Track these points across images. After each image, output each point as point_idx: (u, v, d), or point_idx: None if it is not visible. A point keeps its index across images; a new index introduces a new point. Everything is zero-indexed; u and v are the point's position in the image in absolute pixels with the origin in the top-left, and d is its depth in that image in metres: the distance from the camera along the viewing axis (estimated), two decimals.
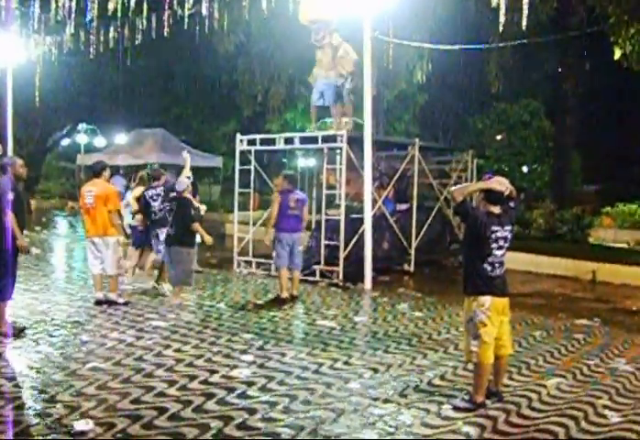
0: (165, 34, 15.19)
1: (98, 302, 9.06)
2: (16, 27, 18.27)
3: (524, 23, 9.95)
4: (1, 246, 7.22)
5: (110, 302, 9.06)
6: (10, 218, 7.19)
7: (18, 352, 6.78)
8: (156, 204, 10.41)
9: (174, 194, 9.37)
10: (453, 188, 5.66)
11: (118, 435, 4.68)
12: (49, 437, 4.62)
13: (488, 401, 5.54)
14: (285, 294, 10.01)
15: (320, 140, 12.02)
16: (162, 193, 10.32)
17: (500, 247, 5.48)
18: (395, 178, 13.15)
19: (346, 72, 12.12)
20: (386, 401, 5.60)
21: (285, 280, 10.05)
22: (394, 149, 14.88)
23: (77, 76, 28.09)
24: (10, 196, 7.19)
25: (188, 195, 9.35)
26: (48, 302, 9.20)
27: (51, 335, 7.41)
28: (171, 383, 5.83)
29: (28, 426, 4.80)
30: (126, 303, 9.11)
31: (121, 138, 31.08)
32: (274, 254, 10.41)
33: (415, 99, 24.17)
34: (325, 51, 12.26)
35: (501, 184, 5.51)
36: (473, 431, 5.02)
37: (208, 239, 9.28)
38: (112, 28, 17.08)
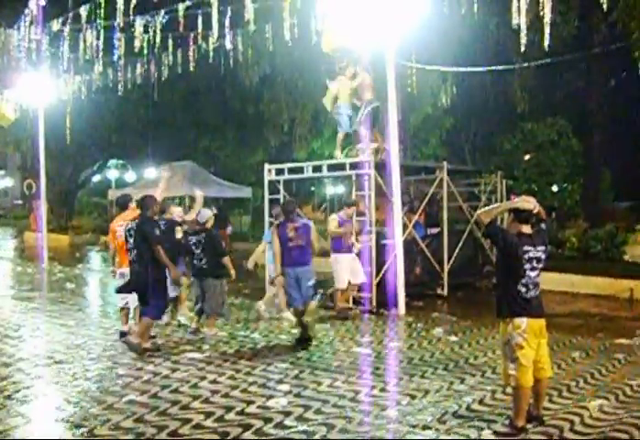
0: (191, 68, 15.42)
1: (122, 335, 9.09)
2: (46, 68, 18.69)
3: (547, 43, 9.94)
4: (159, 275, 8.27)
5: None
6: (161, 252, 8.12)
7: (56, 387, 6.82)
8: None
9: (199, 227, 9.39)
10: (480, 211, 5.63)
11: None
12: None
13: (529, 426, 5.44)
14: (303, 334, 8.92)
15: (348, 167, 12.06)
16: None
17: (533, 268, 5.42)
18: (425, 202, 13.11)
19: (366, 99, 12.22)
20: (425, 427, 5.53)
21: (296, 321, 9.12)
22: (422, 173, 14.85)
23: (106, 113, 28.56)
24: (157, 232, 8.25)
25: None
26: (83, 337, 9.26)
27: (88, 369, 7.45)
28: (208, 415, 5.82)
29: None
30: (151, 337, 8.95)
31: (150, 173, 31.48)
32: (285, 297, 9.50)
33: (441, 122, 24.18)
34: (344, 80, 12.42)
35: (528, 203, 5.47)
36: None
37: (232, 273, 9.42)
38: (139, 65, 17.40)
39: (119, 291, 8.93)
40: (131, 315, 9.24)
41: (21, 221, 36.70)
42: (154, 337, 9.00)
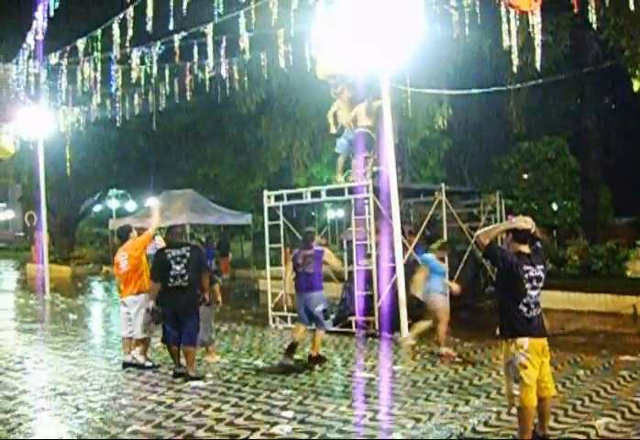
0: (188, 98, 15.54)
1: (125, 365, 9.06)
2: (45, 100, 18.85)
3: (539, 63, 10.03)
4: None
5: (138, 366, 9.02)
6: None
7: (60, 419, 6.80)
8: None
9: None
10: (478, 232, 5.66)
11: None
12: None
13: None
14: (296, 339, 9.30)
15: (346, 192, 12.12)
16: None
17: (534, 288, 5.43)
18: (425, 224, 13.15)
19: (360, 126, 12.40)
20: None
21: (301, 329, 9.35)
22: (422, 196, 14.90)
23: (106, 143, 28.76)
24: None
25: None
26: (87, 368, 9.23)
27: (91, 401, 7.42)
28: None
29: None
30: (153, 367, 9.01)
31: (151, 202, 31.59)
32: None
33: (439, 144, 24.31)
34: (341, 104, 12.59)
35: (525, 222, 5.51)
36: None
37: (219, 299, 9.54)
38: (137, 96, 17.54)
39: (158, 321, 8.76)
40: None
41: (23, 253, 36.75)
42: (158, 366, 9.00)
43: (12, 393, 7.84)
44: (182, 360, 8.51)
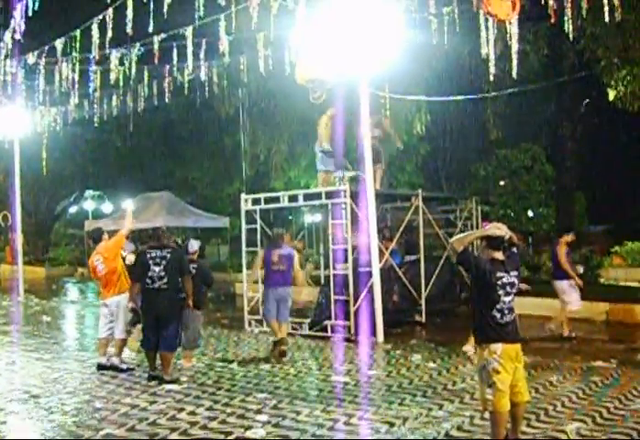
0: (166, 99, 15.50)
1: (100, 367, 9.02)
2: (22, 100, 18.69)
3: (515, 72, 10.15)
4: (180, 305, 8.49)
5: (113, 368, 8.98)
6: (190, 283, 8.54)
7: (32, 422, 6.75)
8: None
9: (189, 258, 9.34)
10: (452, 239, 5.71)
11: None
12: None
13: None
14: (278, 336, 9.98)
15: (324, 196, 12.15)
16: None
17: (507, 293, 5.48)
18: (401, 229, 13.21)
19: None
20: None
21: (276, 326, 10.04)
22: (399, 201, 14.98)
23: (82, 144, 28.56)
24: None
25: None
26: (60, 370, 9.16)
27: (64, 403, 7.37)
28: None
29: None
30: (128, 369, 8.96)
31: (127, 203, 31.38)
32: (262, 308, 10.71)
33: (417, 150, 24.40)
34: (325, 119, 12.84)
35: (499, 229, 5.56)
36: None
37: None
38: (115, 97, 17.45)
39: (135, 323, 8.89)
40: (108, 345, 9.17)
41: None
42: (132, 369, 8.96)
43: None
44: (158, 362, 8.47)
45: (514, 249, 5.73)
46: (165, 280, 8.30)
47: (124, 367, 9.02)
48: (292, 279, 10.20)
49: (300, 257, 10.29)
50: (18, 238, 20.97)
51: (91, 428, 6.42)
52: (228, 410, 7.01)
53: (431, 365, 9.25)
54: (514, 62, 9.92)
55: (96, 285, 9.50)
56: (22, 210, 20.88)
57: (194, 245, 9.42)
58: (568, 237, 11.60)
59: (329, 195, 12.06)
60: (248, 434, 6.16)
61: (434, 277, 13.72)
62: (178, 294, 8.44)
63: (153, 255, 8.38)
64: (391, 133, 14.31)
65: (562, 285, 11.43)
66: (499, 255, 5.56)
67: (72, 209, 40.52)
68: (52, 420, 6.74)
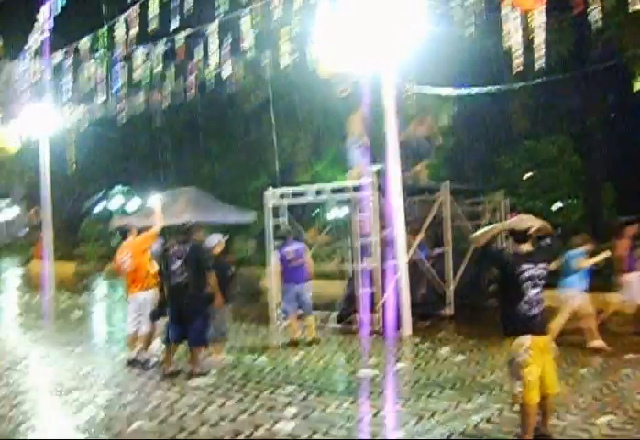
0: (191, 96, 15.56)
1: (130, 362, 9.12)
2: (49, 98, 18.88)
3: (543, 61, 10.05)
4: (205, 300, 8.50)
5: (142, 362, 9.07)
6: (214, 278, 8.55)
7: (65, 415, 6.85)
8: None
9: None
10: (474, 234, 5.67)
11: None
12: None
13: None
14: (296, 336, 10.59)
15: (350, 190, 12.15)
16: None
17: (535, 286, 5.43)
18: (428, 222, 13.16)
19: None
20: None
21: (295, 324, 10.67)
22: (425, 194, 14.91)
23: (110, 141, 28.78)
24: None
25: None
26: (91, 364, 9.28)
27: (96, 397, 7.46)
28: None
29: None
30: (158, 364, 8.98)
31: (155, 200, 31.51)
32: (282, 305, 11.21)
33: (442, 143, 24.24)
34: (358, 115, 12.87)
35: (522, 222, 5.50)
36: None
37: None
38: (141, 94, 17.56)
39: (156, 317, 8.89)
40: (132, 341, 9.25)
41: (27, 250, 36.67)
42: (162, 363, 9.02)
43: (17, 389, 7.90)
44: (173, 357, 8.58)
45: (548, 241, 5.65)
46: (185, 275, 8.32)
47: (152, 362, 9.10)
48: (307, 273, 10.61)
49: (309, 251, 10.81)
50: (48, 235, 21.18)
51: (122, 421, 6.50)
52: (257, 403, 7.06)
53: (459, 358, 9.23)
54: (540, 53, 9.82)
55: (123, 281, 9.50)
56: (51, 207, 21.06)
57: (213, 240, 9.39)
58: (633, 230, 11.16)
59: (356, 189, 12.05)
60: (278, 426, 6.20)
61: (461, 270, 13.67)
62: (200, 289, 8.41)
63: (174, 250, 8.42)
64: (434, 131, 14.41)
65: (631, 278, 10.93)
66: (525, 247, 5.51)
67: (100, 206, 40.83)
68: (85, 413, 6.82)
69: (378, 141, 13.08)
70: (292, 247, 10.69)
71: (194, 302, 8.36)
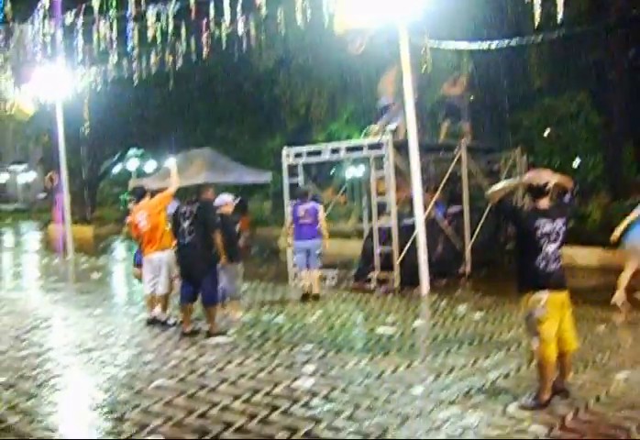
0: (204, 55, 15.39)
1: (149, 322, 9.21)
2: (62, 61, 18.77)
3: (561, 14, 9.80)
4: (215, 259, 8.50)
5: (161, 323, 9.15)
6: (220, 237, 8.50)
7: (86, 374, 6.94)
8: None
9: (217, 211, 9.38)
10: (490, 190, 5.59)
11: None
12: None
13: (554, 399, 5.45)
14: (306, 290, 11.03)
15: (366, 148, 12.06)
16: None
17: (552, 242, 5.36)
18: (444, 180, 13.07)
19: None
20: (451, 403, 5.56)
21: (306, 278, 11.09)
22: (442, 152, 14.78)
23: (123, 103, 28.63)
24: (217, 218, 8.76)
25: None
26: (111, 325, 9.38)
27: (116, 357, 7.56)
28: (236, 397, 5.89)
29: None
30: (176, 324, 9.05)
31: (170, 161, 31.54)
32: (293, 260, 11.73)
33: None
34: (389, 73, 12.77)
35: (540, 176, 5.41)
36: (541, 429, 4.93)
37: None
38: (153, 54, 17.40)
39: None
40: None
41: (45, 214, 37.00)
42: (181, 323, 9.08)
43: (39, 350, 8.00)
44: (190, 316, 8.66)
45: (567, 197, 5.56)
46: (193, 235, 8.37)
47: (171, 321, 9.18)
48: (318, 231, 10.82)
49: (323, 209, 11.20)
50: (65, 198, 21.30)
51: (143, 380, 6.57)
52: (276, 361, 7.11)
53: (477, 315, 9.24)
54: (560, 5, 9.59)
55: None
56: (67, 171, 21.13)
57: (221, 200, 9.42)
58: None
59: (371, 147, 11.96)
60: (297, 383, 6.25)
61: (478, 228, 13.61)
62: (208, 249, 8.43)
63: (183, 210, 8.47)
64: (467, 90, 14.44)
65: None
66: (542, 203, 5.42)
67: (116, 168, 40.93)
68: (106, 372, 6.91)
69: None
70: (307, 206, 10.93)
71: (203, 261, 8.41)
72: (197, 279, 8.43)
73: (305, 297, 10.91)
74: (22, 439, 5.10)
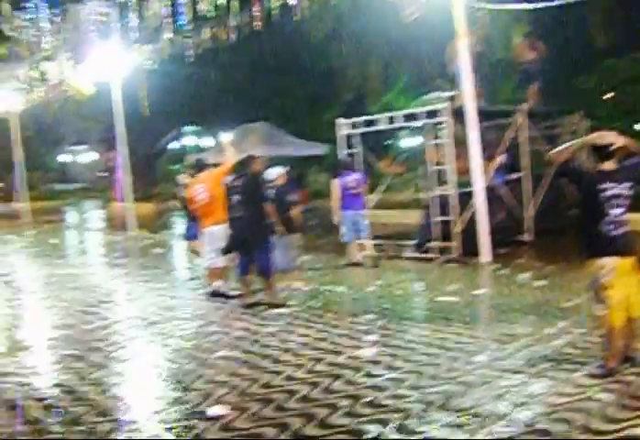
0: (256, 28, 15.35)
1: (210, 295, 9.33)
2: (117, 39, 18.96)
3: None
4: (267, 230, 8.60)
5: (222, 295, 9.26)
6: (270, 208, 8.64)
7: (152, 346, 7.09)
8: None
9: (270, 184, 9.44)
10: (552, 151, 5.44)
11: (252, 418, 4.80)
12: (187, 423, 4.79)
13: (622, 367, 5.33)
14: (355, 259, 11.46)
15: (423, 116, 11.89)
16: None
17: (617, 206, 5.19)
18: (504, 147, 12.82)
19: None
20: (515, 372, 5.48)
21: (354, 249, 11.51)
22: (500, 118, 14.47)
23: (178, 80, 28.83)
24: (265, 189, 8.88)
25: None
26: (174, 298, 9.55)
27: (180, 328, 7.69)
28: (298, 367, 5.93)
29: (167, 414, 5.01)
30: (237, 296, 9.11)
31: (226, 136, 31.73)
32: (341, 231, 11.59)
33: (516, 65, 23.40)
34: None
35: (604, 137, 5.23)
36: (608, 397, 4.82)
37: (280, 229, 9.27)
38: (207, 30, 17.43)
39: (228, 251, 8.94)
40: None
41: (106, 192, 37.73)
42: (242, 295, 9.15)
43: (105, 323, 8.20)
44: (250, 288, 8.76)
45: (635, 159, 5.36)
46: (243, 208, 8.40)
47: (233, 293, 9.27)
48: (365, 201, 11.31)
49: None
50: (126, 176, 21.66)
51: (207, 351, 6.68)
52: (338, 331, 7.13)
53: (540, 283, 9.08)
54: None
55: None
56: (127, 149, 21.45)
57: (272, 173, 9.52)
58: None
59: (429, 115, 11.79)
60: (359, 353, 6.26)
61: (539, 195, 13.34)
62: (259, 221, 8.45)
63: (233, 184, 8.51)
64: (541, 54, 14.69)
65: None
66: (607, 165, 5.25)
67: (173, 145, 41.38)
68: (170, 344, 7.04)
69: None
70: (354, 176, 11.34)
71: (255, 233, 8.43)
72: (251, 251, 8.48)
73: (357, 265, 11.29)
74: (95, 409, 5.24)
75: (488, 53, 17.75)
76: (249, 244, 8.48)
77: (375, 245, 12.79)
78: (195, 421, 4.82)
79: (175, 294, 9.92)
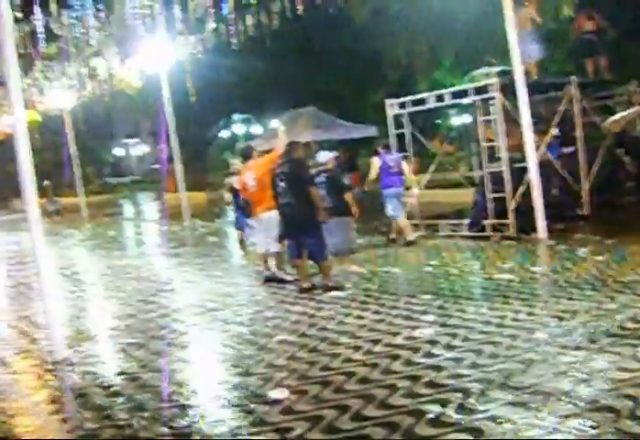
0: (300, 12, 15.27)
1: (266, 280, 9.39)
2: (162, 32, 19.09)
3: None
4: (316, 216, 8.46)
5: (278, 280, 9.32)
6: (316, 193, 8.51)
7: (211, 332, 7.19)
8: None
9: (322, 168, 9.46)
10: (608, 120, 5.29)
11: (312, 401, 4.84)
12: (248, 407, 4.86)
13: None
14: (412, 237, 11.75)
15: (472, 93, 11.72)
16: None
17: None
18: (556, 120, 12.55)
19: None
20: (576, 348, 5.39)
21: (408, 225, 11.84)
22: (551, 91, 14.16)
23: (224, 69, 28.99)
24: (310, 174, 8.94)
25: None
26: (230, 285, 9.66)
27: (238, 315, 7.78)
28: (356, 348, 5.95)
29: (228, 399, 5.08)
30: (294, 280, 9.15)
31: (275, 123, 31.82)
32: (388, 209, 11.78)
33: (566, 36, 22.83)
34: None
35: None
36: None
37: (355, 210, 9.39)
38: (250, 16, 17.42)
39: (282, 237, 9.05)
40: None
41: (159, 184, 38.27)
42: (298, 280, 9.17)
43: (165, 311, 8.35)
44: (305, 272, 8.79)
45: None
46: (290, 194, 8.43)
47: (289, 278, 9.33)
48: (403, 180, 11.66)
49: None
50: (178, 167, 21.91)
51: (265, 336, 6.74)
52: (394, 312, 7.12)
53: (598, 258, 8.89)
54: None
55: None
56: (177, 140, 21.69)
57: (322, 156, 9.64)
58: None
59: (478, 92, 11.61)
60: (416, 333, 6.24)
61: (595, 168, 13.03)
62: (306, 206, 8.40)
63: (279, 171, 8.54)
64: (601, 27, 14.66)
65: None
66: None
67: (223, 134, 41.68)
68: (228, 330, 7.14)
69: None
70: (393, 157, 11.82)
71: (304, 218, 8.43)
72: (300, 236, 8.52)
73: (393, 241, 11.95)
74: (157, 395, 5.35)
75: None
76: (299, 229, 8.52)
77: (428, 225, 12.73)
78: (256, 404, 4.88)
79: (231, 281, 10.02)
